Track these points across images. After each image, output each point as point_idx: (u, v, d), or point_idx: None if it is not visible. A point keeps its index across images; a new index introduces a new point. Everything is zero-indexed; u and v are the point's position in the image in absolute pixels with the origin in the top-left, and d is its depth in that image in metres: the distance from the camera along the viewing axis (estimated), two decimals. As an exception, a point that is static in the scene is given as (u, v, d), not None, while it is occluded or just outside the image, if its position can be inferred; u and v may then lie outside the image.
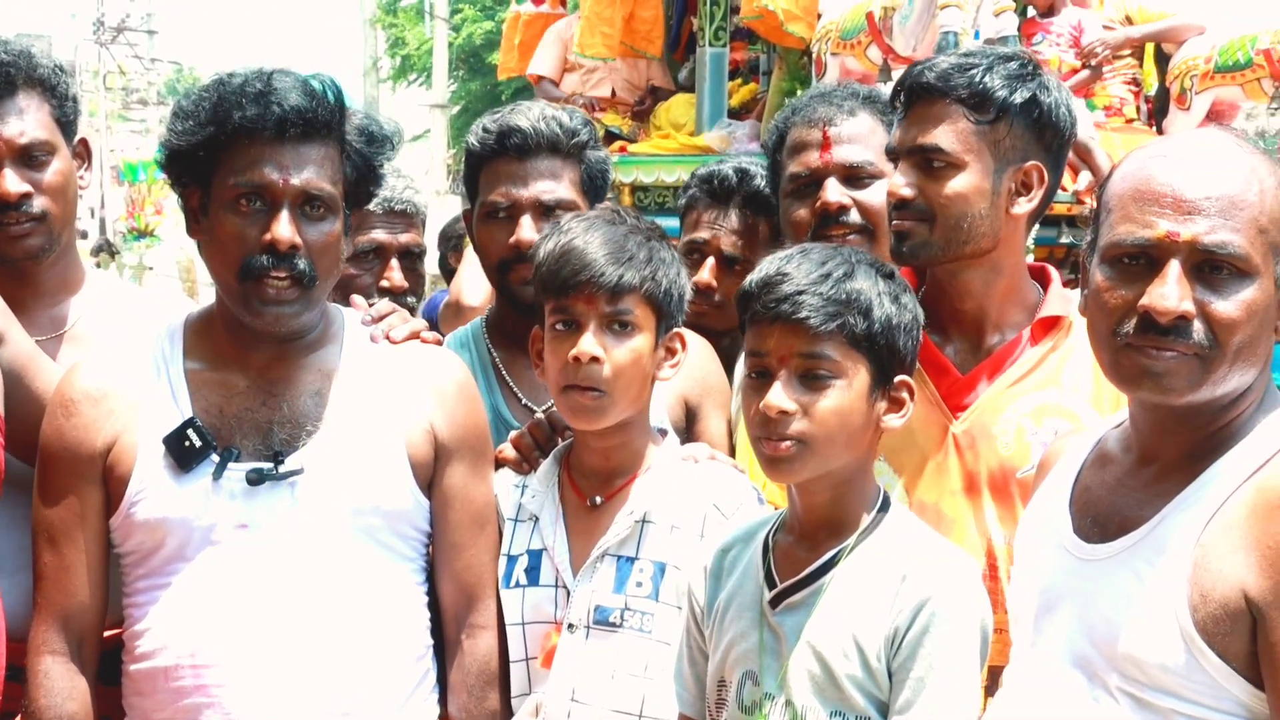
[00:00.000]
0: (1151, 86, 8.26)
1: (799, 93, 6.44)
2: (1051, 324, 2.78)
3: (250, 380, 2.64)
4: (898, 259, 2.70)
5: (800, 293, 2.29)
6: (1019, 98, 2.68)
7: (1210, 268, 1.98)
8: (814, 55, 7.85)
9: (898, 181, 2.70)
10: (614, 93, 8.82)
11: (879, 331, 2.32)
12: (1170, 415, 2.05)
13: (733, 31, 8.38)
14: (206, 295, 3.52)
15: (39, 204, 2.93)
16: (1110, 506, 2.12)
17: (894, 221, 2.72)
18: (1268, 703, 1.91)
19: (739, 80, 8.68)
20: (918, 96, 2.71)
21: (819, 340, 2.29)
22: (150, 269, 25.68)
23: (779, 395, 2.28)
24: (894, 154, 2.76)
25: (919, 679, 2.22)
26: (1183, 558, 1.96)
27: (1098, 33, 7.63)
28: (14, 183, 2.89)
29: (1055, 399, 2.72)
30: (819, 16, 7.87)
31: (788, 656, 2.31)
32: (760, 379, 2.32)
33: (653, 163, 7.94)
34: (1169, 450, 2.08)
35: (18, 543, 2.69)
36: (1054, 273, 2.87)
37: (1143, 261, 2.01)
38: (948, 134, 2.67)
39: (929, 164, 2.68)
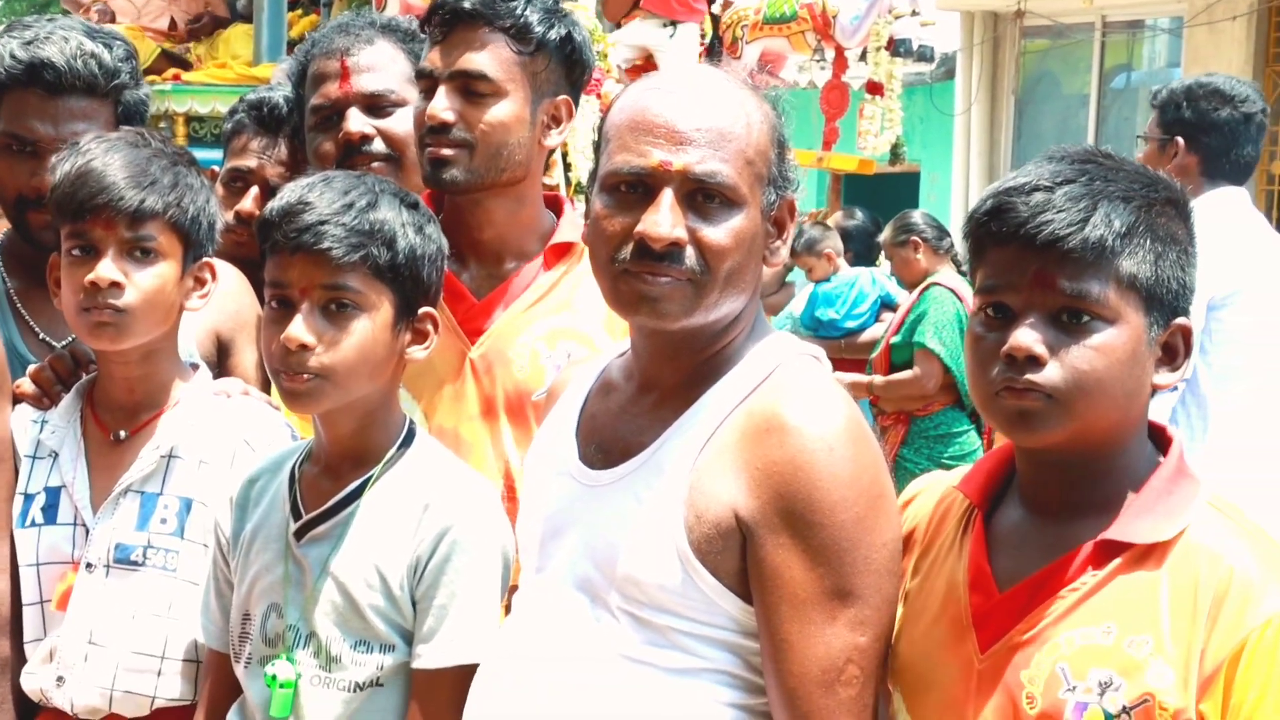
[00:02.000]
0: (709, 34, 8.55)
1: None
2: (564, 250, 2.84)
3: None
4: (434, 185, 2.71)
5: (323, 222, 2.26)
6: (555, 34, 2.74)
7: (702, 196, 2.04)
8: (373, -13, 7.77)
9: (439, 105, 2.68)
10: (174, 24, 8.50)
11: (403, 263, 2.31)
12: (667, 341, 2.12)
13: (295, -37, 8.20)
14: None
15: None
16: (614, 433, 2.17)
17: (430, 148, 2.71)
18: (755, 616, 2.01)
19: (299, 11, 8.50)
20: (458, 20, 2.71)
21: (342, 271, 2.26)
22: None
23: (300, 328, 2.24)
24: (429, 77, 2.74)
25: (442, 607, 2.24)
26: (679, 481, 2.03)
27: None
28: None
29: (569, 322, 2.78)
30: (380, -51, 7.77)
31: (312, 588, 2.29)
32: (281, 309, 2.28)
33: (209, 93, 7.72)
34: (667, 377, 2.14)
35: None
36: (567, 200, 2.94)
37: (639, 190, 2.05)
38: (492, 61, 2.70)
39: (471, 90, 2.69)
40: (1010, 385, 1.89)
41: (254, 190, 3.45)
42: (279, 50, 7.88)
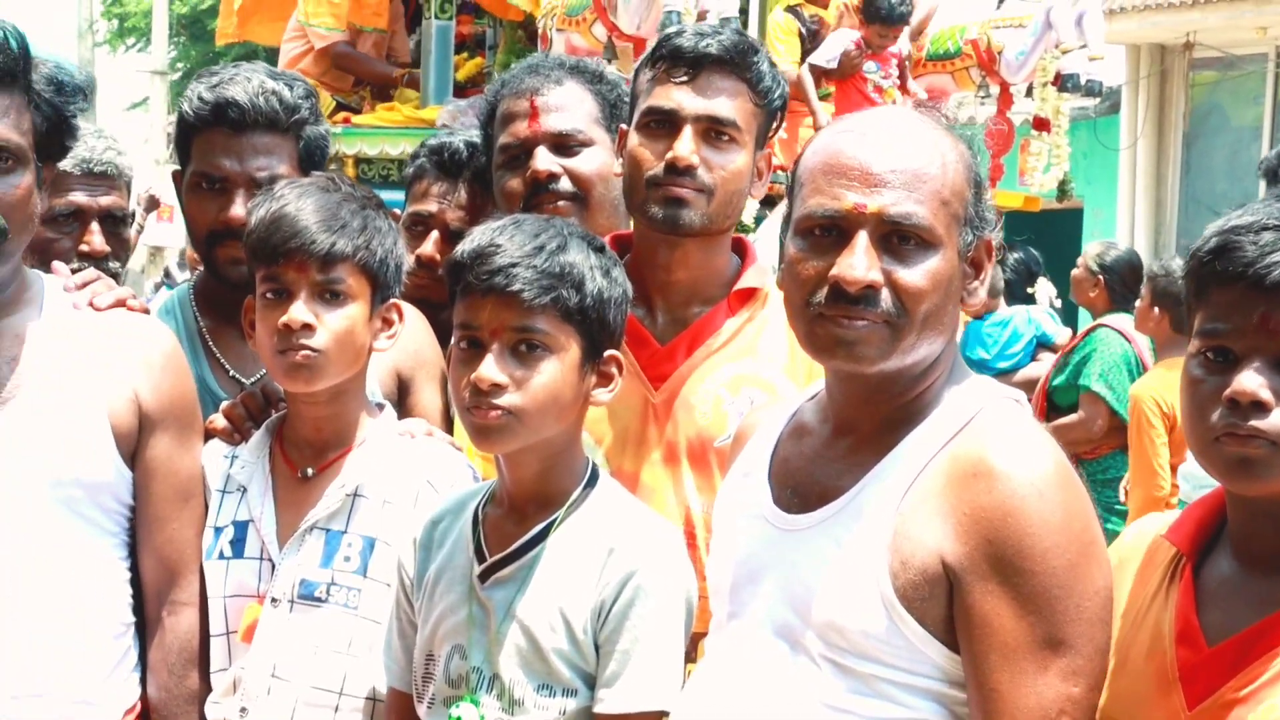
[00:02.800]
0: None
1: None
2: (749, 295, 2.83)
3: None
4: (667, 225, 2.72)
5: (514, 265, 2.27)
6: (780, 92, 2.79)
7: (897, 238, 2.02)
8: (539, 31, 7.84)
9: (688, 147, 2.69)
10: (358, 80, 8.67)
11: (591, 305, 2.32)
12: (865, 385, 2.09)
13: (459, 5, 8.30)
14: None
15: None
16: (809, 477, 2.14)
17: (668, 187, 2.71)
18: (962, 665, 1.97)
19: (465, 54, 8.61)
20: (707, 64, 2.72)
21: (532, 313, 2.27)
22: None
23: (491, 368, 2.26)
24: (663, 114, 2.73)
25: (625, 652, 2.23)
26: (883, 526, 2.00)
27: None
28: None
29: (752, 369, 2.77)
30: (545, -9, 7.87)
31: (496, 630, 2.30)
32: (471, 349, 2.30)
33: (377, 135, 7.81)
34: (865, 421, 2.12)
35: None
36: (752, 245, 2.93)
37: (834, 234, 2.04)
38: (740, 110, 2.73)
39: (716, 136, 2.71)
40: (1232, 431, 1.84)
41: (434, 234, 3.48)
42: (445, 92, 7.98)
